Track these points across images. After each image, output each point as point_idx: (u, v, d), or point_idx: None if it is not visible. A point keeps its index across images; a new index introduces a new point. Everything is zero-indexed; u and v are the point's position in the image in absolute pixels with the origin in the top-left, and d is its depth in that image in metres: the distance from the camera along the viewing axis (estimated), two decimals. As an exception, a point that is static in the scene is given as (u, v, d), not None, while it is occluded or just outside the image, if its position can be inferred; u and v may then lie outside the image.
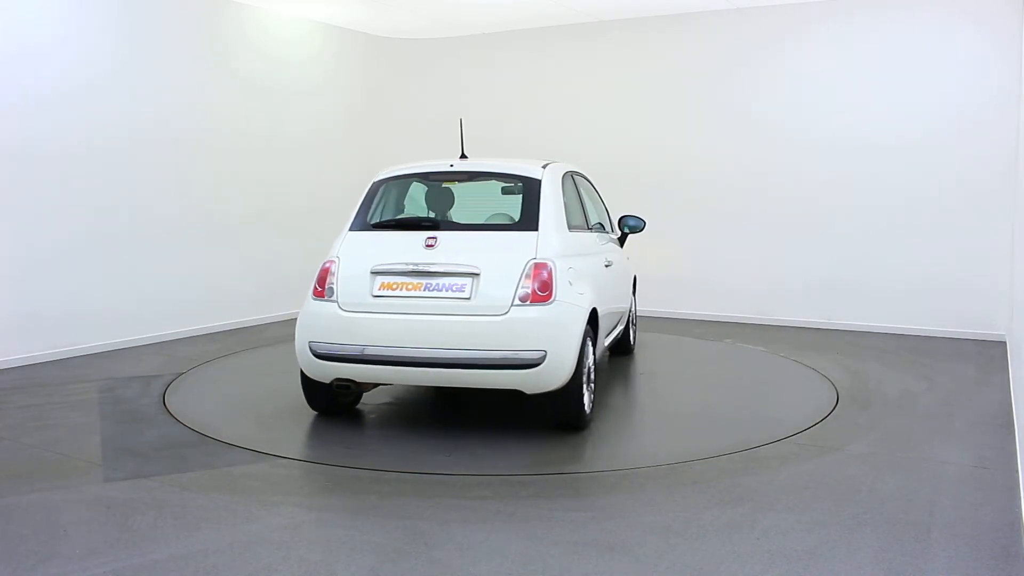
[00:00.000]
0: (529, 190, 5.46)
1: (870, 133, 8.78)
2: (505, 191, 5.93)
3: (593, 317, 5.49)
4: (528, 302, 4.97)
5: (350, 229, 5.62)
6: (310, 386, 5.53)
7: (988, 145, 8.26)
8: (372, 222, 5.64)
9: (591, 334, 5.45)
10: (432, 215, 5.85)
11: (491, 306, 5.00)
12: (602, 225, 6.88)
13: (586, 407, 5.34)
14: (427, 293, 5.11)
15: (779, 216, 9.26)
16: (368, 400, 6.12)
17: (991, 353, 7.80)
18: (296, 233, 9.50)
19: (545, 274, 5.03)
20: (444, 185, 6.03)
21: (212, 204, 8.74)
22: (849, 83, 8.84)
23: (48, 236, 7.28)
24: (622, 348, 7.60)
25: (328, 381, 5.34)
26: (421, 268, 5.16)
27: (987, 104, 8.27)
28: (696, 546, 3.66)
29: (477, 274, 5.07)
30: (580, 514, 4.03)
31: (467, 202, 6.20)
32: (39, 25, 7.18)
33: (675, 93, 9.75)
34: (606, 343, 6.41)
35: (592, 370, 5.53)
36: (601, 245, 6.42)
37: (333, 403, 5.67)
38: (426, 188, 6.09)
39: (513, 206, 5.56)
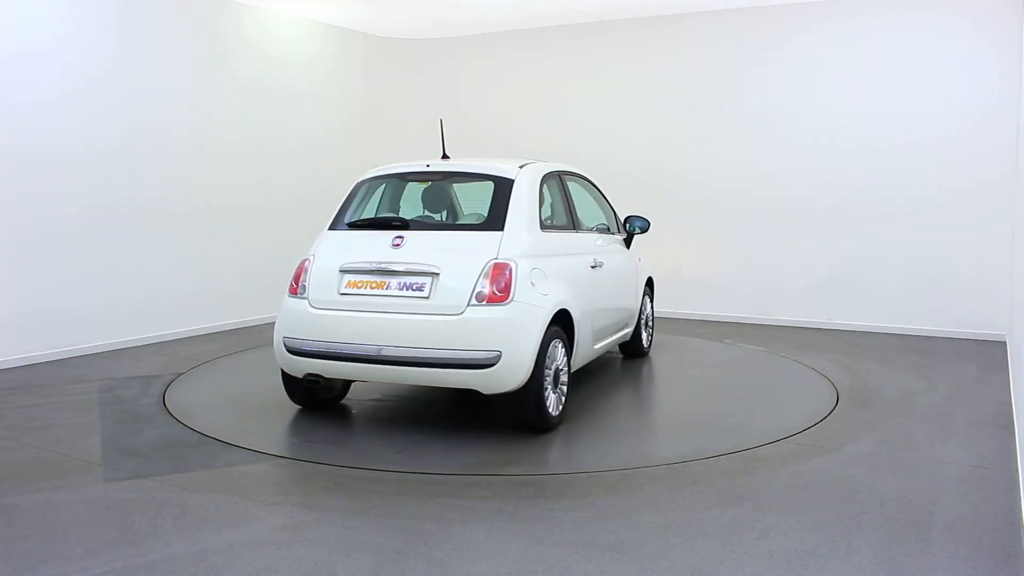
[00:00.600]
0: (500, 190, 5.46)
1: (871, 134, 8.78)
2: (482, 191, 5.91)
3: (563, 319, 5.44)
4: (484, 302, 4.98)
5: (328, 228, 5.76)
6: (288, 381, 5.69)
7: (988, 145, 8.26)
8: (347, 221, 5.73)
9: (561, 335, 5.38)
10: (403, 215, 5.86)
11: (448, 305, 5.03)
12: (606, 226, 6.87)
13: (550, 409, 5.25)
14: (389, 292, 5.18)
15: (779, 216, 9.26)
16: (356, 396, 6.18)
17: (991, 353, 7.80)
18: (297, 233, 9.46)
19: (504, 274, 5.03)
20: (429, 184, 6.01)
21: (212, 204, 8.73)
22: (850, 83, 8.84)
23: (48, 236, 7.28)
24: (633, 350, 7.55)
25: (301, 376, 5.46)
26: (384, 267, 5.23)
27: (988, 105, 8.26)
28: (696, 546, 3.66)
29: (437, 273, 5.12)
30: (580, 514, 4.03)
31: (454, 202, 6.24)
32: (38, 24, 7.18)
33: (675, 93, 9.75)
34: (600, 345, 6.34)
35: (563, 372, 5.43)
36: (593, 245, 6.35)
37: (313, 398, 5.79)
38: (411, 188, 6.14)
39: (484, 206, 5.59)
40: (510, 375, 4.95)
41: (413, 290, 5.12)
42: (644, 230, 7.13)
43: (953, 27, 8.42)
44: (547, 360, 5.16)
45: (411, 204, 6.00)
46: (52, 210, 7.30)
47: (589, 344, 6.03)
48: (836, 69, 8.91)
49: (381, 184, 5.99)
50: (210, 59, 8.72)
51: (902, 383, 6.71)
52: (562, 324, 5.43)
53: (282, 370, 5.62)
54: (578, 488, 4.39)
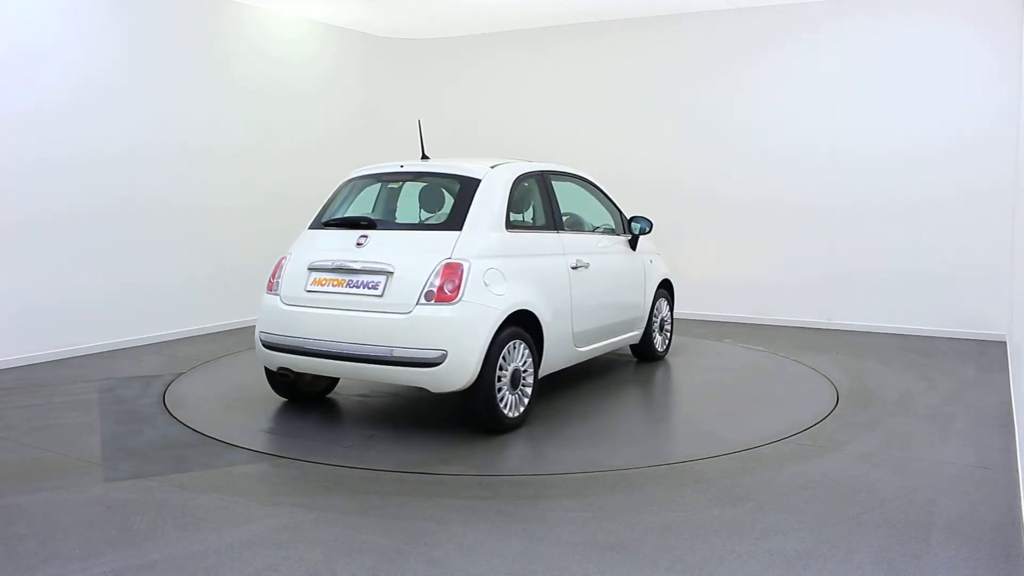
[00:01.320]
0: (465, 190, 5.52)
1: (871, 134, 8.77)
2: (452, 191, 5.93)
3: (528, 320, 5.43)
4: (433, 301, 5.03)
5: (308, 227, 5.94)
6: (268, 374, 5.93)
7: (989, 145, 8.26)
8: (323, 221, 5.89)
9: (524, 336, 5.38)
10: (375, 214, 5.93)
11: (399, 304, 5.11)
12: (607, 227, 6.81)
13: (507, 410, 5.27)
14: (348, 289, 5.31)
15: (779, 216, 9.26)
16: (344, 391, 6.32)
17: (991, 353, 7.80)
18: (297, 233, 9.47)
19: (455, 274, 5.07)
20: (400, 184, 6.10)
21: (212, 203, 8.73)
22: (850, 85, 8.84)
23: (48, 236, 7.27)
24: (646, 353, 7.43)
25: (275, 369, 5.69)
26: (345, 265, 5.37)
27: (988, 106, 8.26)
28: (696, 546, 3.66)
29: (391, 272, 5.20)
30: (580, 514, 4.03)
31: (422, 202, 6.19)
32: (37, 25, 7.17)
33: (675, 93, 9.75)
34: (590, 348, 6.26)
35: (527, 373, 5.43)
36: (581, 246, 6.23)
37: (294, 391, 6.03)
38: (387, 188, 6.19)
39: (449, 206, 5.67)
40: (456, 374, 5.00)
41: (369, 288, 5.23)
42: (645, 232, 7.06)
43: (954, 28, 8.42)
44: (501, 361, 5.18)
45: (384, 204, 6.09)
46: (52, 210, 7.29)
47: (569, 346, 5.96)
48: (838, 70, 8.90)
49: (361, 184, 6.10)
50: (209, 59, 8.72)
51: (902, 383, 6.71)
52: (527, 325, 5.45)
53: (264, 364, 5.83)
54: (578, 488, 4.39)
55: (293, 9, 9.37)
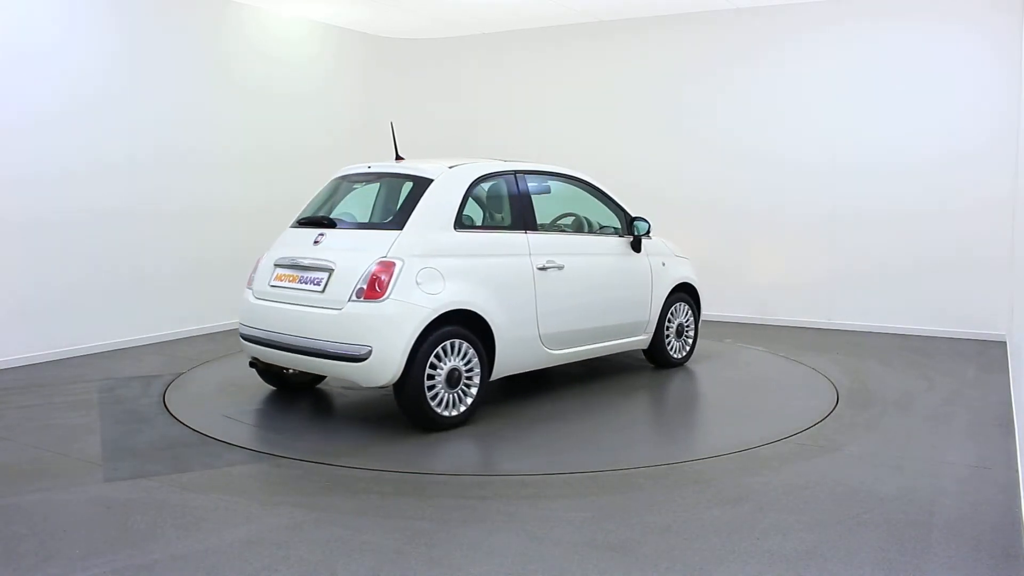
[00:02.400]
0: (416, 190, 5.62)
1: (871, 135, 8.77)
2: (404, 191, 6.01)
3: (471, 320, 5.45)
4: (362, 299, 5.18)
5: (289, 225, 6.18)
6: (253, 364, 6.14)
7: (988, 146, 8.26)
8: (297, 219, 6.13)
9: (466, 335, 5.40)
10: (333, 214, 6.02)
11: (334, 300, 5.30)
12: (607, 229, 6.72)
13: (441, 408, 5.31)
14: (299, 285, 5.58)
15: (779, 216, 9.26)
16: (333, 384, 6.49)
17: (991, 353, 7.80)
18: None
19: (384, 272, 5.19)
20: (364, 184, 6.25)
21: (212, 204, 8.73)
22: (851, 87, 8.83)
23: (48, 236, 7.27)
24: (659, 359, 7.15)
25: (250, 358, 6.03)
26: (298, 262, 5.65)
27: (988, 109, 8.25)
28: (696, 546, 3.66)
29: (333, 269, 5.41)
30: (580, 514, 4.03)
31: (379, 202, 6.28)
32: (35, 25, 7.17)
33: (676, 94, 9.74)
34: (567, 352, 6.15)
35: (468, 373, 5.45)
36: (555, 247, 6.11)
37: (281, 382, 6.34)
38: (358, 187, 6.31)
39: (399, 205, 5.78)
40: (380, 371, 5.13)
41: (313, 284, 5.48)
42: (643, 232, 6.86)
43: (955, 30, 8.41)
44: (434, 359, 5.25)
45: (347, 204, 6.19)
46: (52, 210, 7.29)
47: (536, 348, 5.91)
48: (837, 74, 8.89)
49: (336, 184, 6.26)
50: (208, 59, 8.71)
51: (902, 383, 6.71)
52: (473, 325, 5.48)
53: None
54: (578, 488, 4.39)
55: (292, 9, 9.37)
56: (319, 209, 6.07)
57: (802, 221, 9.16)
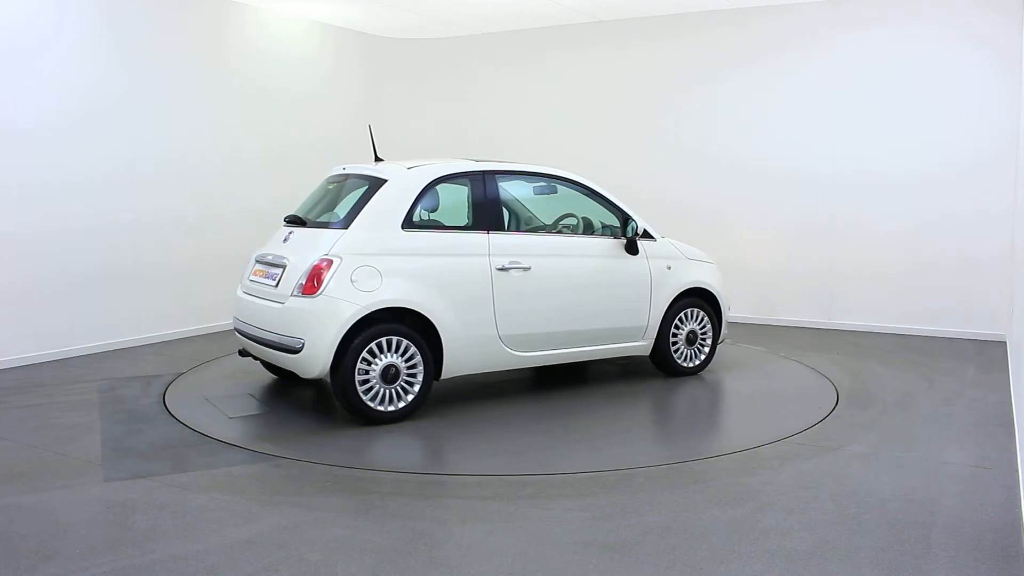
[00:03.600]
0: (370, 190, 5.83)
1: (871, 136, 8.77)
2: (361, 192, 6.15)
3: (416, 318, 5.55)
4: (301, 294, 5.45)
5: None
6: (242, 353, 6.42)
7: (988, 146, 8.25)
8: (284, 218, 6.38)
9: (404, 332, 5.50)
10: (307, 213, 6.22)
11: (282, 295, 5.61)
12: (598, 230, 6.59)
13: (374, 402, 5.46)
14: (264, 280, 5.93)
15: (779, 216, 9.26)
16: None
17: (991, 353, 7.80)
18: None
19: (322, 270, 5.43)
20: (333, 185, 6.40)
21: (212, 204, 8.72)
22: (850, 85, 8.83)
23: (48, 235, 7.27)
24: (668, 368, 6.84)
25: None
26: (266, 258, 6.04)
27: (989, 112, 8.24)
28: (696, 546, 3.66)
29: (286, 266, 5.73)
30: (580, 514, 4.03)
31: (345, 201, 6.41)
32: (27, 23, 7.15)
33: (676, 95, 9.74)
34: (537, 354, 6.10)
35: (410, 370, 5.54)
36: (521, 248, 6.06)
37: (278, 370, 6.58)
38: (336, 187, 6.43)
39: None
40: (311, 363, 5.38)
41: (271, 279, 5.82)
42: (627, 234, 6.60)
43: (954, 37, 8.41)
44: (368, 355, 5.40)
45: (320, 203, 6.31)
46: (52, 210, 7.28)
47: (496, 348, 5.91)
48: (839, 70, 8.89)
49: (323, 185, 6.52)
50: (207, 59, 8.71)
51: (902, 383, 6.71)
52: (417, 323, 5.58)
53: None
54: (578, 488, 4.39)
55: (291, 8, 9.36)
56: (301, 208, 6.34)
57: (802, 221, 9.15)
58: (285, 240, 6.01)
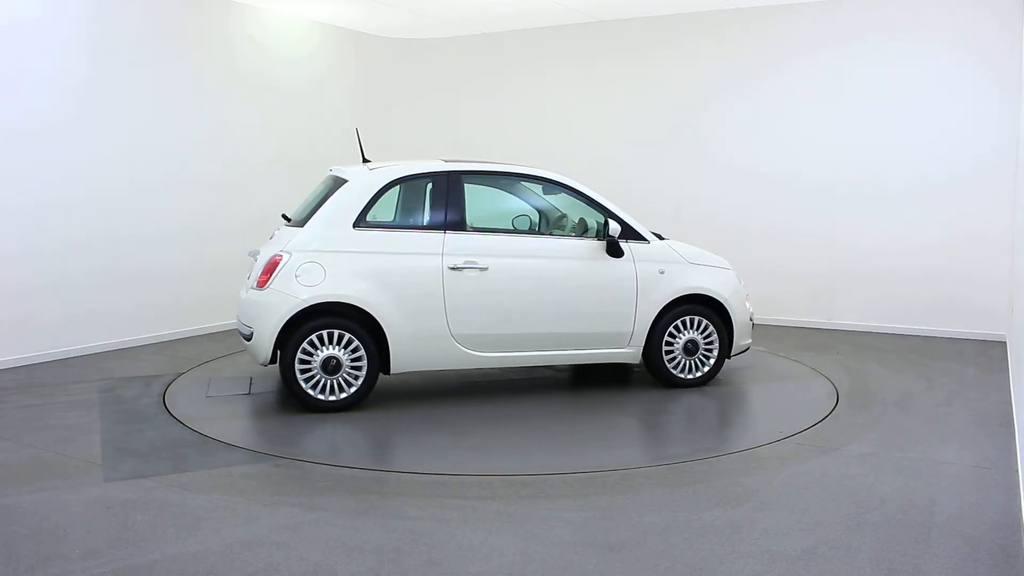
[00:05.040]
0: (331, 191, 6.12)
1: (871, 136, 8.77)
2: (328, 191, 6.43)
3: (360, 313, 5.76)
4: (257, 287, 5.87)
5: None
6: None
7: (987, 146, 8.26)
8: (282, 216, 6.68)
9: (347, 326, 5.75)
10: (295, 213, 6.44)
11: (247, 288, 6.06)
12: (575, 231, 6.38)
13: (314, 391, 5.74)
14: (248, 273, 6.29)
15: (779, 216, 9.26)
16: None
17: (991, 353, 7.79)
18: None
19: (274, 264, 5.82)
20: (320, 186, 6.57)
21: (211, 204, 8.72)
22: (850, 84, 8.83)
23: (48, 236, 7.27)
24: (663, 378, 6.50)
25: None
26: (254, 254, 6.38)
27: (988, 112, 8.25)
28: (696, 546, 3.66)
29: (256, 261, 6.17)
30: (580, 514, 4.03)
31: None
32: (19, 21, 7.11)
33: (674, 94, 9.74)
34: (502, 355, 6.06)
35: (353, 362, 5.76)
36: (479, 248, 6.02)
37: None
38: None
39: None
40: (258, 350, 5.82)
41: (251, 274, 6.15)
42: (596, 235, 6.34)
43: (954, 44, 8.42)
44: (308, 347, 5.71)
45: (305, 203, 6.44)
46: (52, 210, 7.28)
47: (448, 346, 5.93)
48: (839, 70, 8.90)
49: (317, 185, 6.66)
50: (206, 59, 8.71)
51: (902, 383, 6.71)
52: (364, 318, 5.78)
53: None
54: (578, 488, 4.39)
55: (289, 8, 9.36)
56: (296, 208, 6.54)
57: (802, 221, 9.15)
58: (271, 237, 6.33)
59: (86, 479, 4.50)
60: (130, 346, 7.94)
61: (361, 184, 6.03)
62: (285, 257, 5.78)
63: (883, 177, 8.74)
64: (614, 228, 6.25)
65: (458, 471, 4.66)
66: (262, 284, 5.79)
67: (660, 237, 6.60)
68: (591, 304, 6.26)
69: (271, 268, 5.79)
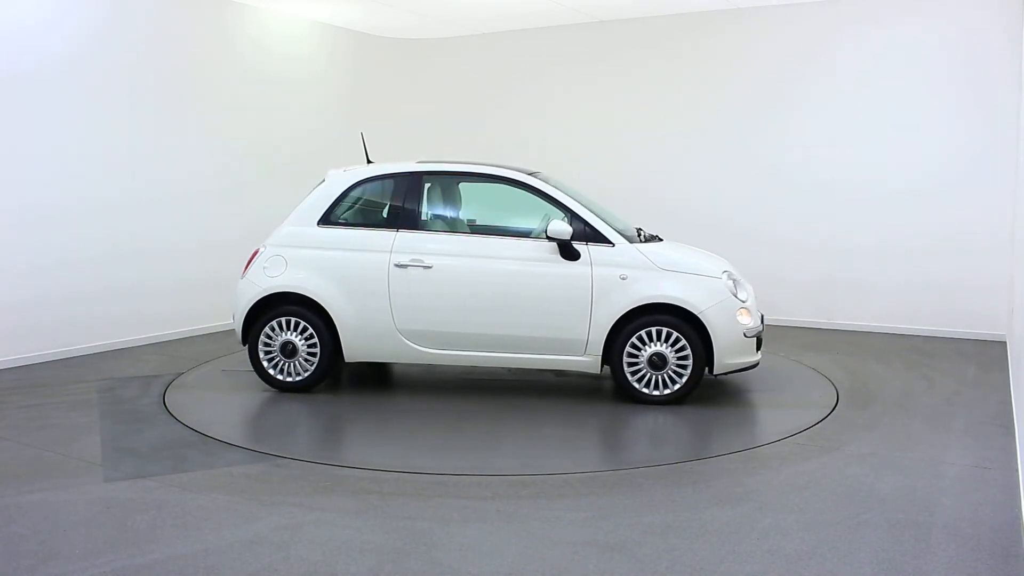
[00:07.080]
0: (313, 190, 6.58)
1: (870, 136, 8.77)
2: None
3: (311, 304, 6.19)
4: (242, 276, 6.47)
5: None
6: None
7: (987, 146, 8.26)
8: None
9: (303, 315, 6.21)
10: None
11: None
12: (534, 232, 6.22)
13: (274, 372, 6.29)
14: None
15: (779, 215, 9.26)
16: (331, 384, 6.19)
17: (991, 353, 7.79)
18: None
19: (252, 255, 6.46)
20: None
21: (211, 204, 8.72)
22: (850, 85, 8.84)
23: (48, 236, 7.27)
24: (628, 393, 6.02)
25: None
26: None
27: (988, 113, 8.25)
28: (696, 546, 3.66)
29: None
30: (580, 514, 4.03)
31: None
32: (21, 16, 7.13)
33: (675, 95, 9.74)
34: (442, 352, 6.10)
35: (307, 348, 6.21)
36: (428, 247, 6.10)
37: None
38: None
39: None
40: (237, 334, 6.42)
41: None
42: (560, 235, 5.94)
43: (956, 48, 8.43)
44: (270, 331, 6.27)
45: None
46: (52, 210, 7.28)
47: (394, 341, 6.14)
48: (839, 71, 8.91)
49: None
50: (206, 59, 8.71)
51: (902, 383, 6.71)
52: (313, 307, 6.21)
53: None
54: (578, 488, 4.39)
55: (288, 8, 9.35)
56: None
57: (802, 221, 9.15)
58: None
59: (86, 479, 4.50)
60: (130, 346, 7.93)
61: (330, 184, 6.49)
62: (261, 250, 6.42)
63: (883, 177, 8.74)
64: (556, 229, 5.89)
65: (458, 471, 4.66)
66: (244, 272, 6.43)
67: (657, 238, 6.50)
68: (539, 307, 5.99)
69: (251, 259, 6.43)
